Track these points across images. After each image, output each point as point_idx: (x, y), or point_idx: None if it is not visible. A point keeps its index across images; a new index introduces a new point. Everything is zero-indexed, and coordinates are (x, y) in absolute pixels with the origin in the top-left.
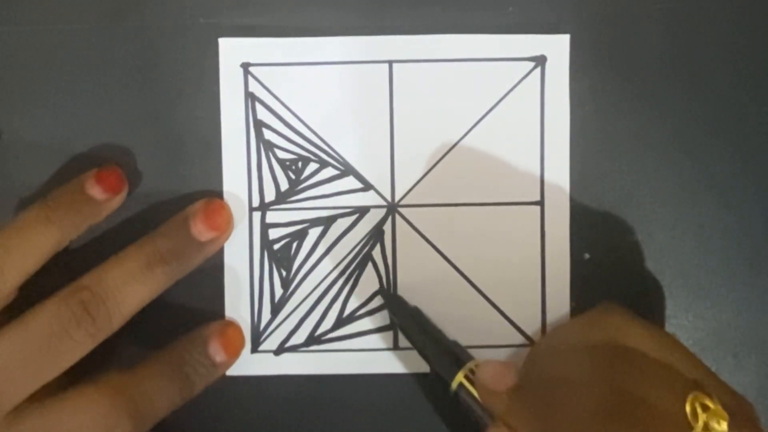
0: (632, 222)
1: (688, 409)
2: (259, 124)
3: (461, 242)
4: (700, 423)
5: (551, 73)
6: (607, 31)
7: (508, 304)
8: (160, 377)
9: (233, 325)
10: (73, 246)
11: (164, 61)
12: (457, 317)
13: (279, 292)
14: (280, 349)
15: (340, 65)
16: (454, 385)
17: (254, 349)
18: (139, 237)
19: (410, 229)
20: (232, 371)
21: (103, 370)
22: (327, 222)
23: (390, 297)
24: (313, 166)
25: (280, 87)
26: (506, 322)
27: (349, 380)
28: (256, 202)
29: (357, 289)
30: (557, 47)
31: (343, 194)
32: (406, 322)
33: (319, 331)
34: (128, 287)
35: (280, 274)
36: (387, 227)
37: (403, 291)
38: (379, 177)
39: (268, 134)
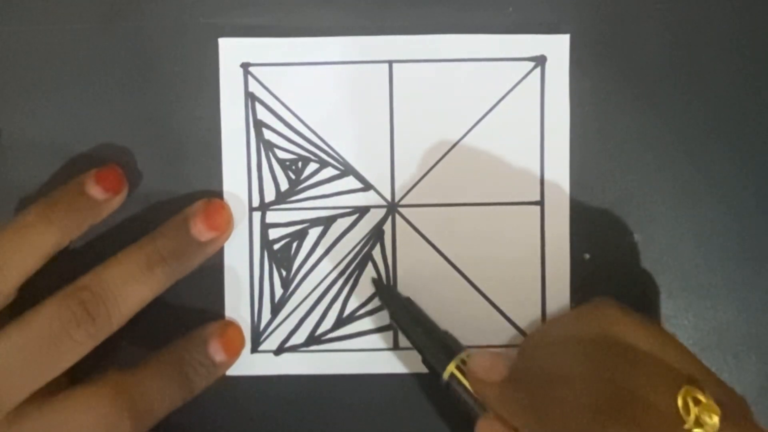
0: (632, 222)
1: (680, 403)
2: (259, 124)
3: (461, 242)
4: (692, 417)
5: (551, 73)
6: (607, 31)
7: (508, 303)
8: (160, 377)
9: (233, 325)
10: (73, 246)
11: (164, 61)
12: (457, 317)
13: (279, 292)
14: (280, 349)
15: (340, 65)
16: (446, 375)
17: (254, 349)
18: (139, 237)
19: (410, 228)
20: (232, 371)
21: (103, 370)
22: (327, 222)
23: (382, 287)
24: (313, 166)
25: (280, 87)
26: (506, 322)
27: (349, 380)
28: (256, 202)
29: (357, 289)
30: (557, 47)
31: (343, 194)
32: (398, 312)
33: (319, 331)
34: (128, 287)
35: (280, 274)
36: (387, 227)
37: (403, 290)
38: (379, 177)
39: (268, 134)
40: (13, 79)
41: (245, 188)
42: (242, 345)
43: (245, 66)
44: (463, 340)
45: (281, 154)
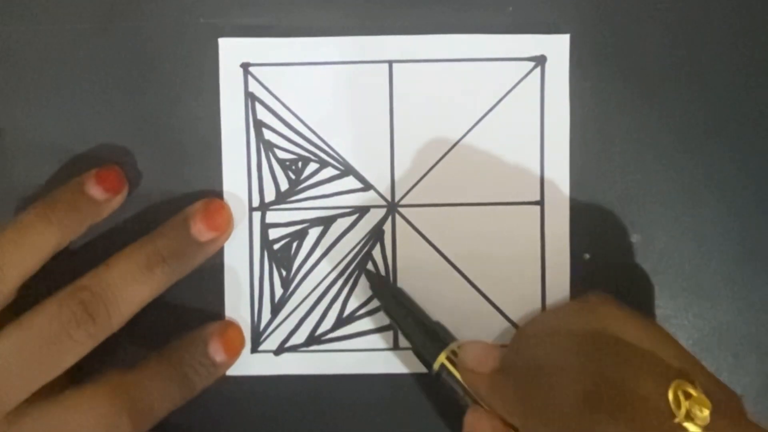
0: (632, 222)
1: (670, 396)
2: (259, 124)
3: (461, 242)
4: (683, 410)
5: (551, 73)
6: (607, 31)
7: (507, 303)
8: (160, 377)
9: (233, 325)
10: (73, 246)
11: (164, 61)
12: (457, 317)
13: (279, 292)
14: (280, 349)
15: (340, 65)
16: (436, 365)
17: (254, 349)
18: (139, 237)
19: (410, 228)
20: (232, 371)
21: (103, 370)
22: (327, 222)
23: (373, 277)
24: (313, 166)
25: (280, 87)
26: (506, 322)
27: (349, 380)
28: (256, 202)
29: (357, 289)
30: (557, 47)
31: (343, 194)
32: (389, 302)
33: (319, 331)
34: (128, 287)
35: (280, 274)
36: (387, 227)
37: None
38: (379, 177)
39: (268, 134)
40: (13, 79)
41: (245, 188)
42: (242, 345)
43: (245, 66)
44: (464, 339)
45: (281, 154)
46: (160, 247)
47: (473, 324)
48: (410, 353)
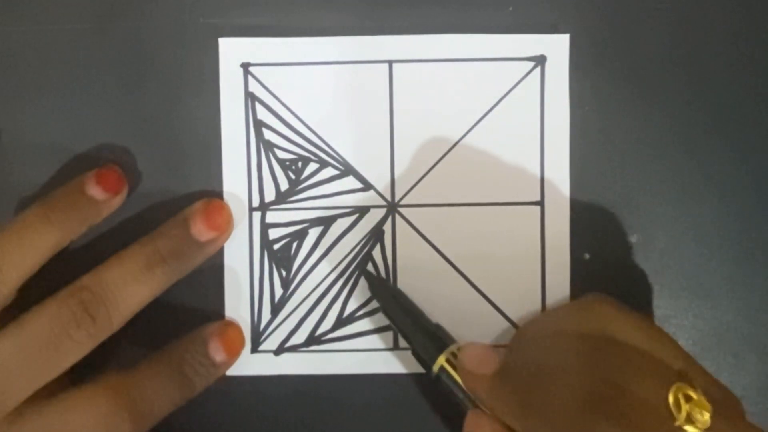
0: (632, 222)
1: (671, 399)
2: (259, 124)
3: (461, 242)
4: (683, 413)
5: (551, 73)
6: (607, 31)
7: (508, 303)
8: (160, 377)
9: (233, 325)
10: (73, 246)
11: (164, 61)
12: (457, 317)
13: (279, 292)
14: (280, 349)
15: (340, 65)
16: (436, 368)
17: (254, 349)
18: (139, 237)
19: (410, 228)
20: (232, 371)
21: (103, 370)
22: (327, 222)
23: (372, 278)
24: (313, 166)
25: (280, 87)
26: (506, 322)
27: (349, 380)
28: (256, 202)
29: (357, 290)
30: (557, 47)
31: (343, 194)
32: (388, 303)
33: (319, 331)
34: (128, 287)
35: (280, 274)
36: (387, 227)
37: (402, 290)
38: (378, 177)
39: (268, 134)
40: (13, 79)
41: (245, 188)
42: (242, 345)
43: (245, 66)
44: (463, 341)
45: (281, 154)
46: (160, 247)
47: (473, 324)
48: (410, 354)
